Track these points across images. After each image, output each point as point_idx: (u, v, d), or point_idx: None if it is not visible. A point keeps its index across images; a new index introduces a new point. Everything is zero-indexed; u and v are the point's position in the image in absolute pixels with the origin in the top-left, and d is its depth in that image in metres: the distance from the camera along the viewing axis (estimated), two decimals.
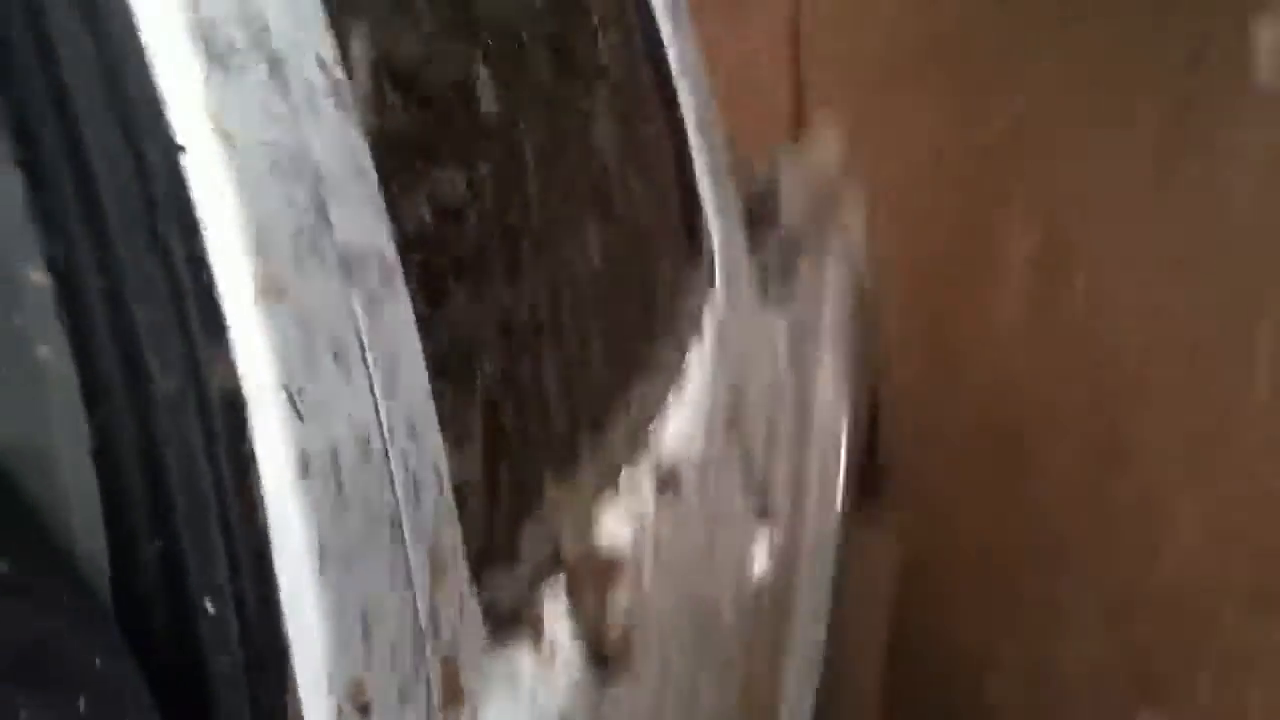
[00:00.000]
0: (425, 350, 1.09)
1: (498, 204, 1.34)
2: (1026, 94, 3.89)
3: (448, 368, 1.19)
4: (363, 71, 1.10)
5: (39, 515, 0.85)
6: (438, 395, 1.11)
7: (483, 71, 1.31)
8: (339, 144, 1.00)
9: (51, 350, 0.85)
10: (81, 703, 0.77)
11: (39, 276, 0.85)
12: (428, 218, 1.20)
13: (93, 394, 0.85)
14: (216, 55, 0.90)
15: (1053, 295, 3.73)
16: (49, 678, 0.77)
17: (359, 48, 1.10)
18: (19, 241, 0.85)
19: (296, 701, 0.88)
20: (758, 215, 2.40)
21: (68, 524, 0.85)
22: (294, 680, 0.88)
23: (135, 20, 0.86)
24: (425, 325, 1.11)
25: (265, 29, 0.96)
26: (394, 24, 1.19)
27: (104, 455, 0.85)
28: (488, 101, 1.33)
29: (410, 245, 1.13)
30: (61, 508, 0.86)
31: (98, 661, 0.80)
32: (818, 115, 3.70)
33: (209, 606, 0.86)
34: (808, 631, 2.32)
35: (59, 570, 0.84)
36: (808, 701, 2.34)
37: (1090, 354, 3.62)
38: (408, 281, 1.07)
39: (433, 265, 1.19)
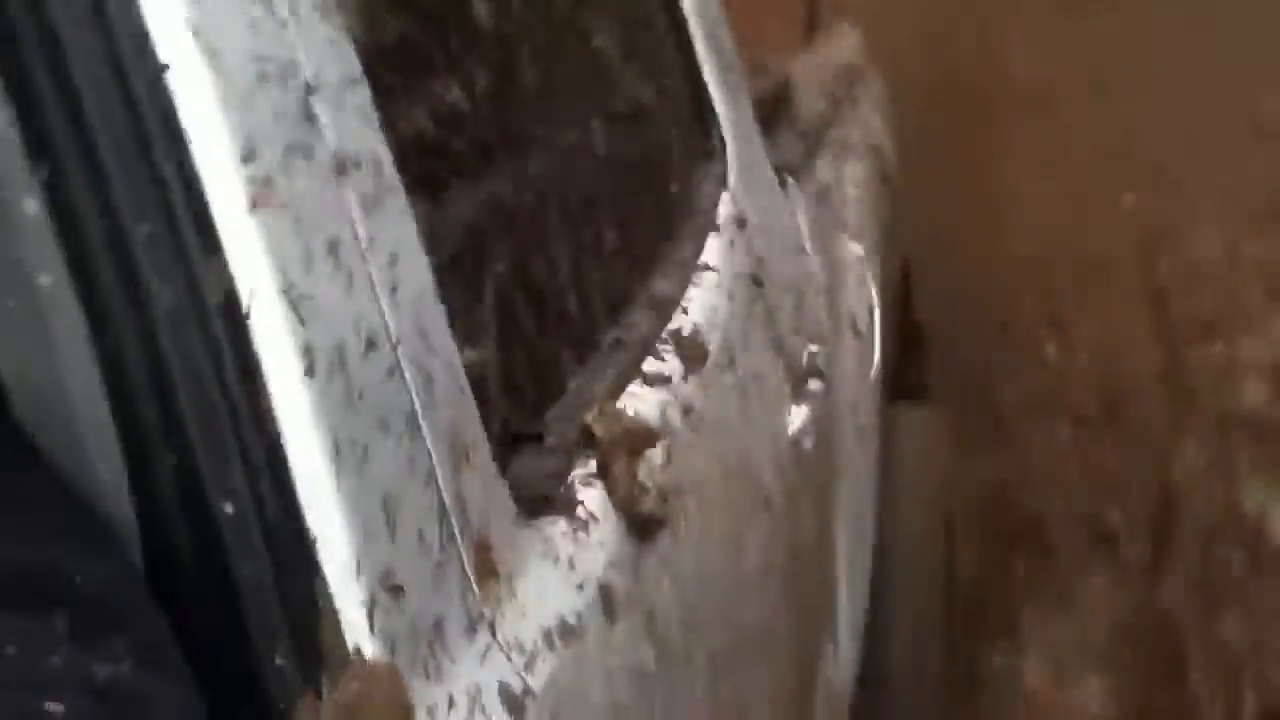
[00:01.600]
0: (435, 248, 1.03)
1: (499, 103, 1.28)
2: None
3: (460, 264, 1.14)
4: None
5: (52, 442, 0.80)
6: (451, 291, 1.05)
7: None
8: (327, 53, 0.94)
9: (52, 277, 0.80)
10: (68, 621, 0.72)
11: (32, 204, 0.80)
12: (428, 120, 1.14)
13: (95, 316, 0.80)
14: None
15: None
16: (37, 600, 0.72)
17: None
18: (10, 170, 0.80)
19: (327, 590, 0.83)
20: (773, 111, 2.33)
21: (81, 447, 0.81)
22: (322, 571, 0.83)
23: None
24: (431, 224, 1.05)
25: None
26: None
27: (111, 375, 0.81)
28: (482, 7, 1.26)
29: (411, 148, 1.08)
30: (74, 432, 0.81)
31: (92, 582, 0.75)
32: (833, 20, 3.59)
33: (229, 509, 0.81)
34: (855, 492, 2.26)
35: (60, 496, 0.79)
36: (862, 563, 2.28)
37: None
38: (410, 182, 1.02)
39: (436, 165, 1.14)
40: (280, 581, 0.82)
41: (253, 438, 0.82)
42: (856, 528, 2.25)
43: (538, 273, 1.29)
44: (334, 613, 0.83)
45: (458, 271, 1.13)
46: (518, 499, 1.07)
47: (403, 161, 1.01)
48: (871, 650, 2.35)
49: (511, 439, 1.13)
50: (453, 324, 1.05)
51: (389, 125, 1.01)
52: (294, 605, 0.82)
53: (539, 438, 1.16)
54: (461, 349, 1.05)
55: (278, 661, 0.82)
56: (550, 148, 1.41)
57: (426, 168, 1.12)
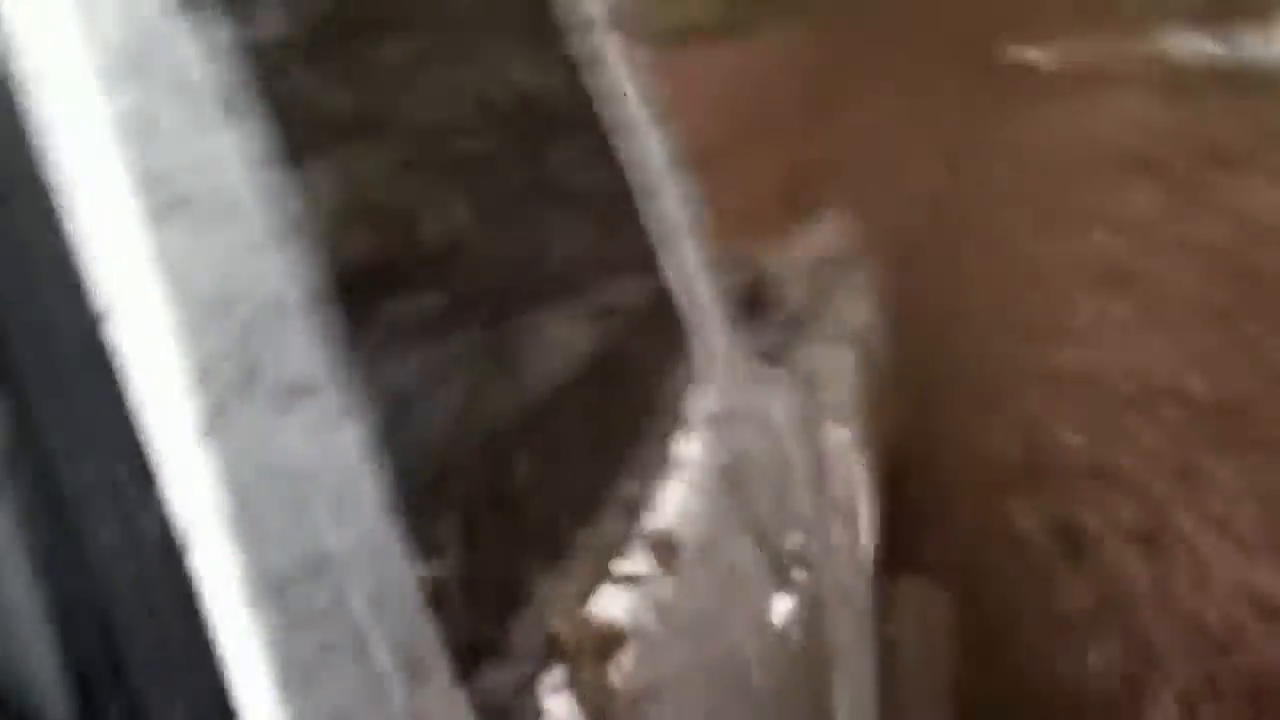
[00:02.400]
0: (393, 463, 1.05)
1: (460, 319, 1.31)
2: None
3: (419, 479, 1.15)
4: (316, 205, 1.07)
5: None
6: (411, 507, 1.07)
7: (449, 197, 1.29)
8: (271, 285, 0.97)
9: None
10: None
11: None
12: (388, 337, 1.17)
13: (38, 556, 0.82)
14: (160, 205, 0.88)
15: None
16: None
17: (316, 182, 1.08)
18: None
19: None
20: (752, 301, 2.36)
21: (29, 689, 0.82)
22: None
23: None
24: (388, 442, 1.07)
25: (217, 174, 0.94)
26: (352, 157, 1.16)
27: (57, 615, 0.82)
28: (451, 226, 1.30)
29: (368, 365, 1.10)
30: (21, 673, 0.82)
31: None
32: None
33: None
34: (853, 680, 2.24)
35: None
36: None
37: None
38: (369, 400, 1.04)
39: (397, 381, 1.16)
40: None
41: (198, 671, 0.83)
42: (857, 713, 2.24)
43: (500, 481, 1.31)
44: None
45: (414, 477, 1.14)
46: (481, 712, 1.07)
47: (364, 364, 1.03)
48: None
49: (473, 651, 1.13)
50: (410, 537, 1.07)
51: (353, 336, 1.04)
52: None
53: (503, 647, 1.17)
54: (418, 561, 1.06)
55: None
56: (508, 349, 1.43)
57: (388, 369, 1.15)
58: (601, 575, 1.36)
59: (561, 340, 1.54)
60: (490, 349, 1.41)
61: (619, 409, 1.66)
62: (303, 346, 0.98)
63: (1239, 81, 4.87)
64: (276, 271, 0.97)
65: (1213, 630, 2.82)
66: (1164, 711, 2.75)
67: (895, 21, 5.78)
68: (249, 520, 0.86)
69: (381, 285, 1.23)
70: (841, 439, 2.46)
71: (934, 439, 3.12)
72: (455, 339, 1.35)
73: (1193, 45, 5.17)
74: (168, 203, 0.90)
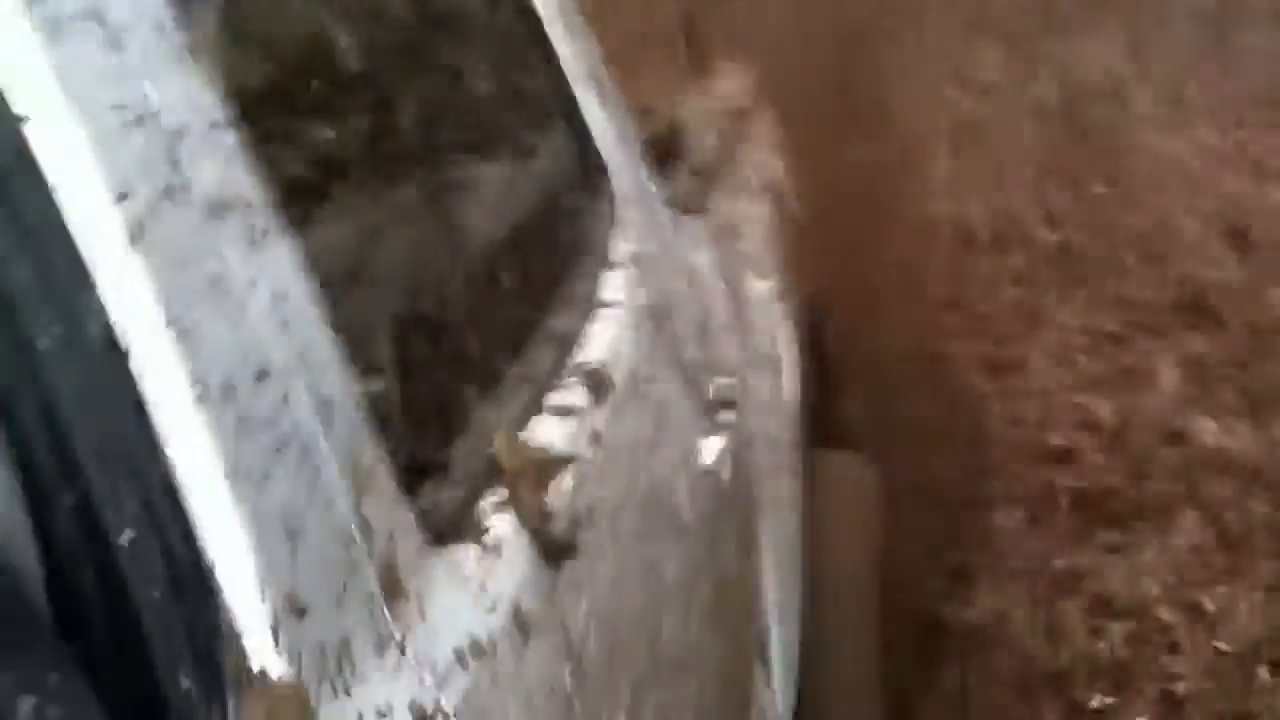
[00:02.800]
0: (332, 286, 1.06)
1: (382, 146, 1.31)
2: None
3: (358, 301, 1.16)
4: (212, 31, 1.06)
5: None
6: (349, 326, 1.07)
7: (343, 28, 1.28)
8: (189, 100, 0.96)
9: None
10: None
11: None
12: (313, 164, 1.17)
13: None
14: (50, 25, 0.86)
15: None
16: None
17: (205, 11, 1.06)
18: None
19: (230, 612, 0.85)
20: (664, 153, 2.36)
21: None
22: (224, 594, 0.84)
23: None
24: (329, 264, 1.08)
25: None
26: None
27: (3, 414, 0.82)
28: (350, 52, 1.29)
29: (302, 190, 1.10)
30: None
31: None
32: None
33: (126, 539, 0.82)
34: (780, 526, 2.28)
35: None
36: (791, 596, 2.29)
37: None
38: (305, 223, 1.04)
39: (320, 210, 1.16)
40: (183, 606, 0.83)
41: (147, 468, 0.83)
42: (783, 561, 2.27)
43: (436, 309, 1.31)
44: (238, 635, 0.84)
45: (356, 308, 1.15)
46: (425, 526, 1.08)
47: (297, 203, 1.03)
48: (809, 683, 2.37)
49: (418, 469, 1.14)
50: (353, 357, 1.07)
51: (277, 167, 1.04)
52: (198, 629, 0.83)
53: (444, 467, 1.18)
54: (363, 381, 1.07)
55: (184, 685, 0.82)
56: (437, 190, 1.44)
57: (322, 210, 1.15)
58: (537, 405, 1.37)
59: (486, 183, 1.54)
60: (420, 191, 1.42)
61: (545, 248, 1.66)
62: (226, 163, 0.97)
63: None
64: (191, 90, 0.97)
65: (1052, 447, 3.19)
66: (1008, 515, 3.08)
67: None
68: (188, 325, 0.86)
69: (300, 114, 1.23)
70: (762, 290, 2.48)
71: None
72: (378, 177, 1.35)
73: None
74: (75, 14, 0.89)
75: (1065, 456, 3.24)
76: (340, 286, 1.13)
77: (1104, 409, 3.32)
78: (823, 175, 3.68)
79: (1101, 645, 2.79)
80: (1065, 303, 3.66)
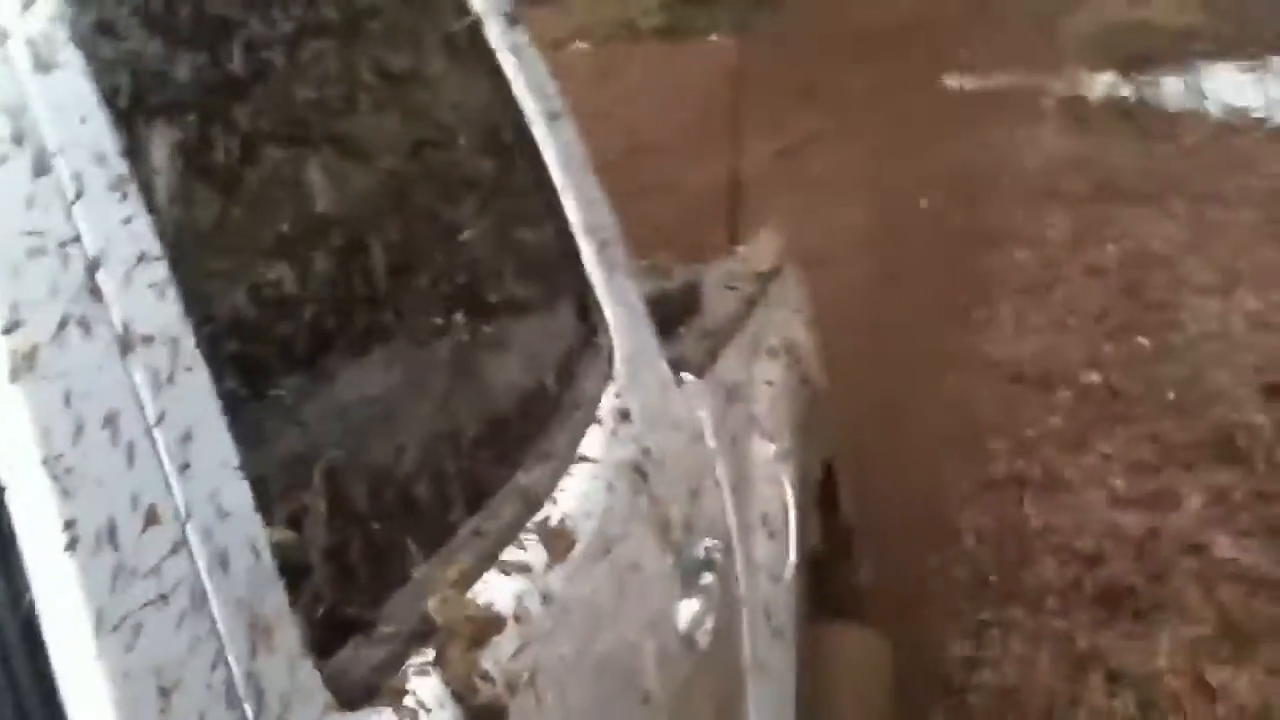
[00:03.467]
0: (263, 430, 1.02)
1: (354, 286, 1.27)
2: None
3: (295, 449, 1.12)
4: (161, 163, 1.03)
5: None
6: (279, 473, 1.03)
7: (315, 163, 1.25)
8: (117, 231, 0.93)
9: None
10: None
11: None
12: (274, 302, 1.13)
13: None
14: None
15: None
16: None
17: (157, 140, 1.04)
18: None
19: None
20: (678, 312, 2.33)
21: None
22: None
23: None
24: (253, 405, 1.04)
25: (32, 124, 0.90)
26: (200, 116, 1.12)
27: None
28: (327, 192, 1.26)
29: (255, 328, 1.07)
30: None
31: None
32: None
33: None
34: (771, 695, 2.20)
35: None
36: None
37: None
38: (250, 361, 1.01)
39: (282, 349, 1.13)
40: None
41: (6, 614, 0.79)
42: None
43: (391, 459, 1.27)
44: None
45: (296, 450, 1.11)
46: (337, 689, 1.03)
47: (244, 340, 1.00)
48: None
49: (338, 625, 1.09)
50: (279, 505, 1.03)
51: (229, 304, 1.01)
52: None
53: (370, 625, 1.13)
54: (284, 528, 1.02)
55: None
56: (412, 335, 1.40)
57: (285, 349, 1.12)
58: (488, 562, 1.32)
59: (472, 333, 1.51)
60: (395, 335, 1.38)
61: (528, 401, 1.62)
62: (152, 295, 0.94)
63: (1138, 121, 5.81)
64: (125, 220, 0.94)
65: (1083, 552, 3.59)
66: (1038, 602, 3.47)
67: (830, 34, 6.22)
68: (68, 464, 0.83)
69: (270, 253, 1.20)
70: (767, 452, 2.43)
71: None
72: (347, 315, 1.31)
73: (1103, 86, 5.99)
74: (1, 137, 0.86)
75: (1094, 559, 3.57)
76: (283, 424, 1.09)
77: (1132, 522, 3.66)
78: (879, 320, 4.19)
79: (1116, 703, 3.14)
80: (1105, 436, 4.01)
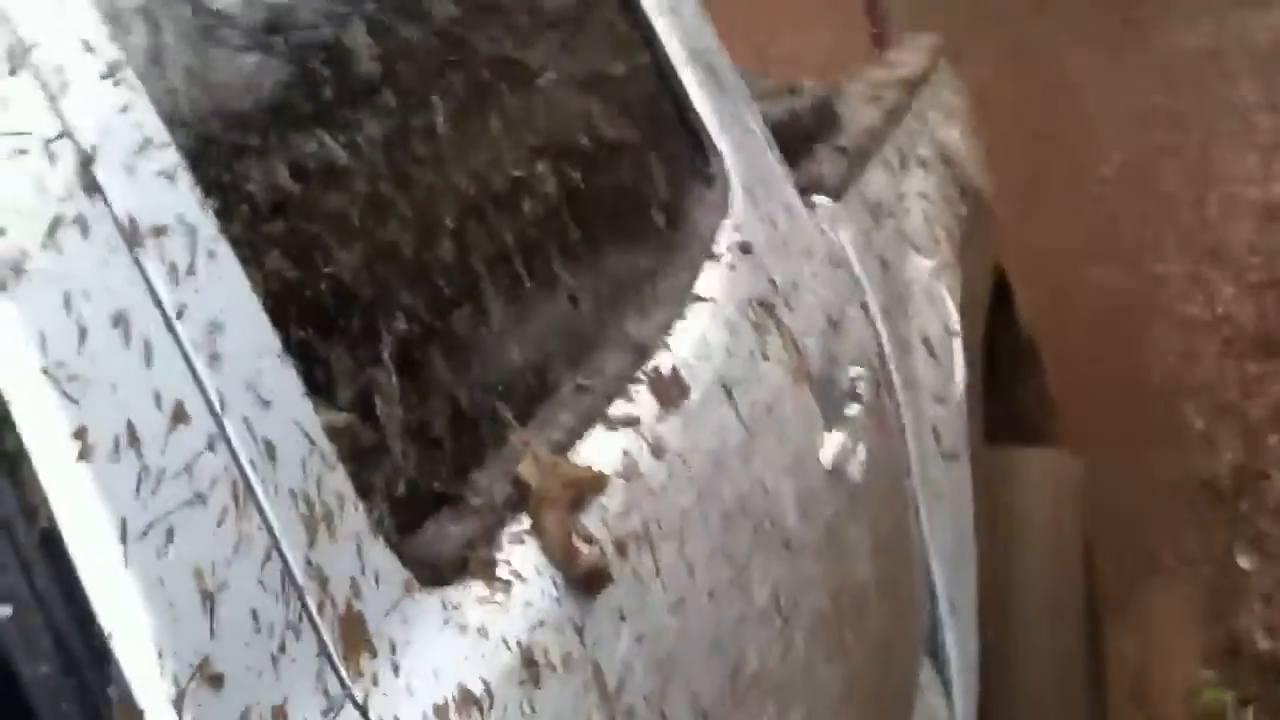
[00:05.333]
0: (310, 307, 0.98)
1: (436, 130, 1.21)
2: None
3: (344, 320, 1.07)
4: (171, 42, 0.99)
5: None
6: (343, 349, 1.00)
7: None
8: (114, 121, 0.89)
9: None
10: None
11: None
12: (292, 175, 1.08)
13: None
14: None
15: None
16: None
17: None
18: None
19: (127, 686, 0.77)
20: (811, 130, 2.23)
21: None
22: (119, 666, 0.77)
23: None
24: (305, 283, 1.00)
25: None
26: None
27: None
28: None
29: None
30: None
31: None
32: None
33: (5, 612, 0.76)
34: (948, 519, 2.12)
35: None
36: (966, 592, 2.14)
37: None
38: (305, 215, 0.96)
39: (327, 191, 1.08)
40: (73, 682, 0.76)
41: (23, 532, 0.76)
42: (952, 558, 2.12)
43: (470, 314, 1.21)
44: (137, 711, 0.77)
45: (359, 329, 1.06)
46: (420, 567, 1.00)
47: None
48: (998, 692, 2.22)
49: (422, 503, 1.05)
50: (349, 386, 0.99)
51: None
52: (91, 706, 0.76)
53: (457, 498, 1.09)
54: (341, 412, 0.99)
55: None
56: (493, 183, 1.33)
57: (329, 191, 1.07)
58: (592, 419, 1.27)
59: (555, 180, 1.44)
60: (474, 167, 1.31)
61: (633, 242, 1.55)
62: (161, 184, 0.90)
63: None
64: (123, 108, 0.90)
65: None
66: None
67: None
68: (73, 371, 0.79)
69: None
70: (924, 269, 2.32)
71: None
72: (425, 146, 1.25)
73: None
74: None
75: None
76: (342, 278, 1.05)
77: None
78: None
79: None
80: None
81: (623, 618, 1.14)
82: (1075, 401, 2.97)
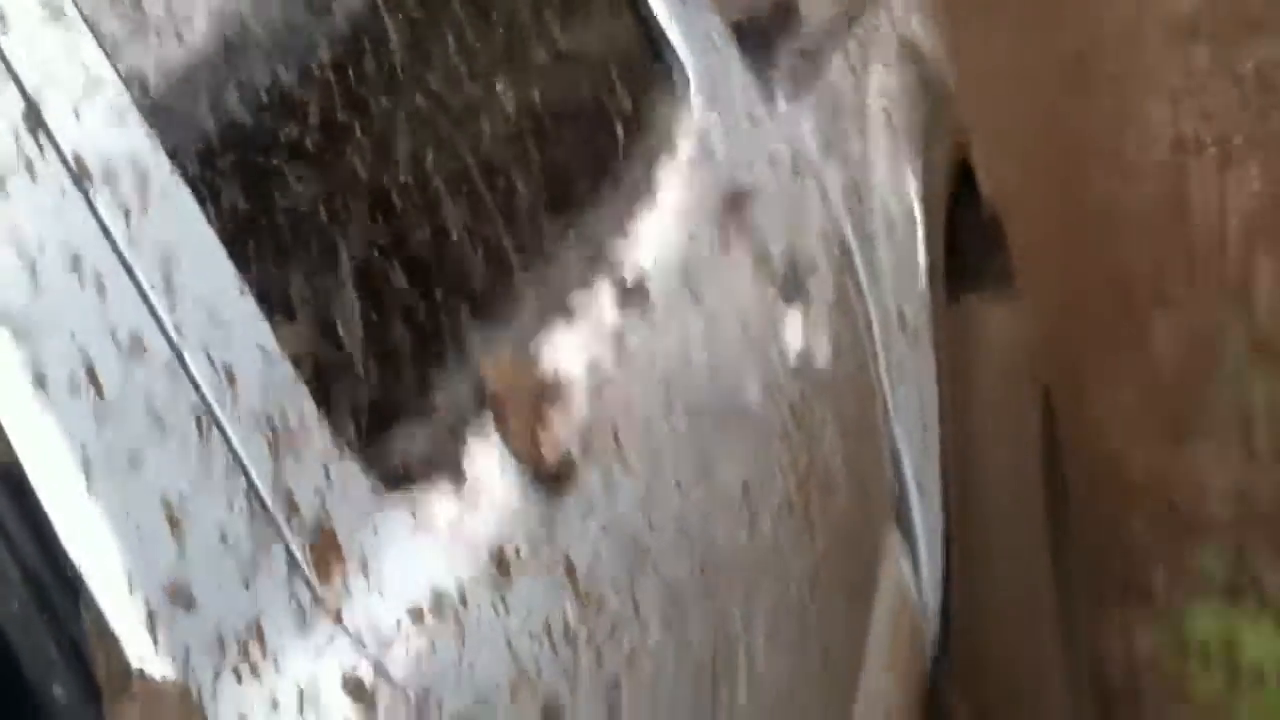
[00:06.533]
0: (266, 233, 0.98)
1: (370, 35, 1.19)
2: None
3: (300, 239, 1.06)
4: None
5: None
6: (298, 269, 0.99)
7: None
8: (57, 60, 0.88)
9: None
10: None
11: None
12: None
13: None
14: None
15: None
16: None
17: None
18: None
19: (98, 611, 0.78)
20: (766, 32, 2.21)
21: None
22: (90, 592, 0.78)
23: None
24: (258, 212, 1.00)
25: None
26: None
27: None
28: None
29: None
30: None
31: None
32: None
33: None
34: (913, 399, 2.13)
35: None
36: (930, 472, 2.15)
37: None
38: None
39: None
40: (46, 610, 0.77)
41: None
42: (919, 436, 2.13)
43: (422, 228, 1.20)
44: (110, 634, 0.78)
45: (315, 248, 1.06)
46: (385, 472, 1.00)
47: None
48: (965, 572, 2.24)
49: (384, 412, 1.06)
50: (307, 306, 0.99)
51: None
52: (66, 634, 0.77)
53: (419, 405, 1.09)
54: (300, 324, 0.99)
55: (56, 693, 0.76)
56: (442, 84, 1.31)
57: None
58: (551, 320, 1.27)
59: (505, 82, 1.42)
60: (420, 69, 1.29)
61: (587, 142, 1.54)
62: (110, 121, 0.89)
63: None
64: (68, 46, 0.89)
65: None
66: None
67: None
68: (23, 307, 0.79)
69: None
70: (886, 161, 2.31)
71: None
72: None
73: None
74: None
75: None
76: (297, 192, 1.04)
77: None
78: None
79: None
80: None
81: (591, 511, 1.15)
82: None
